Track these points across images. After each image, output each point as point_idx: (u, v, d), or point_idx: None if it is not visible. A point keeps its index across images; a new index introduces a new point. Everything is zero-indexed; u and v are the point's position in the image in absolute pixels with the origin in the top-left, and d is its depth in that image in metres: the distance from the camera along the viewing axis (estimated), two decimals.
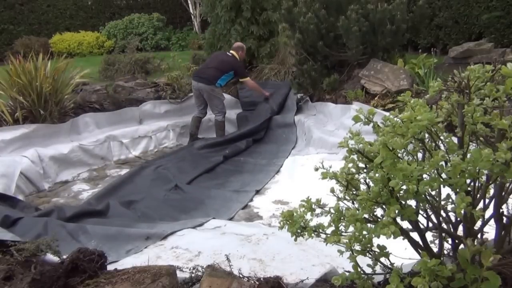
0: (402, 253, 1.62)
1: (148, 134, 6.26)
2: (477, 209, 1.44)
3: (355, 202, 1.53)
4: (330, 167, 1.59)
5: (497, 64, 1.57)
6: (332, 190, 1.59)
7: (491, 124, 1.39)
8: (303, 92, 6.44)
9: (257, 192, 4.42)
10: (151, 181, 4.75)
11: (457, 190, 1.35)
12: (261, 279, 1.85)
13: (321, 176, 1.56)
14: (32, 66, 5.33)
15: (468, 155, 1.36)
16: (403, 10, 5.62)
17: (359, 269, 1.54)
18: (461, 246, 1.50)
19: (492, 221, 1.53)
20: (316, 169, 1.60)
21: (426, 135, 1.50)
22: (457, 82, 1.49)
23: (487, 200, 1.51)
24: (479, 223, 1.54)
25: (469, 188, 1.43)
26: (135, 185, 4.67)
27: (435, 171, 1.38)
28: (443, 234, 1.58)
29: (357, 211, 1.46)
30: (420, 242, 1.57)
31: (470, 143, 1.54)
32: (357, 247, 1.51)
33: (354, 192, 1.54)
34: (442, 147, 1.48)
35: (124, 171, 5.27)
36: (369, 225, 1.48)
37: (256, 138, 6.16)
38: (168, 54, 8.71)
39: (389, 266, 1.55)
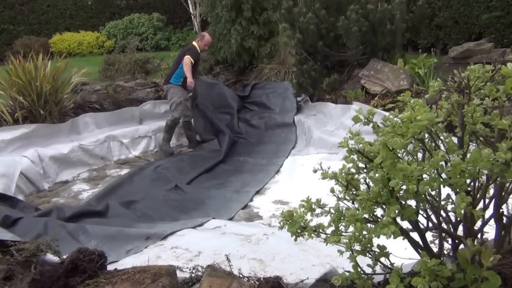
0: (402, 253, 1.62)
1: (148, 134, 6.26)
2: (477, 209, 1.44)
3: (355, 202, 1.53)
4: (329, 168, 1.59)
5: (497, 64, 1.57)
6: (332, 190, 1.59)
7: (491, 124, 1.39)
8: (303, 92, 6.44)
9: (257, 192, 4.41)
10: (151, 181, 4.75)
11: (457, 190, 1.35)
12: (261, 279, 1.85)
13: (321, 176, 1.56)
14: (32, 66, 5.33)
15: (468, 155, 1.36)
16: (403, 10, 5.62)
17: (359, 269, 1.54)
18: (461, 246, 1.50)
19: (492, 221, 1.53)
20: (315, 171, 1.60)
21: (426, 135, 1.50)
22: (457, 82, 1.49)
23: (487, 200, 1.51)
24: (479, 223, 1.54)
25: (469, 188, 1.43)
26: (135, 186, 4.67)
27: (435, 171, 1.38)
28: (443, 234, 1.58)
29: (357, 211, 1.46)
30: (420, 242, 1.57)
31: (470, 143, 1.54)
32: (357, 247, 1.51)
33: (354, 192, 1.54)
34: (442, 147, 1.48)
35: (124, 171, 5.27)
36: (369, 225, 1.48)
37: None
38: (168, 54, 8.72)
39: (389, 266, 1.55)
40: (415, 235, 1.57)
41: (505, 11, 6.36)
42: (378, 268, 1.57)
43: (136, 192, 4.48)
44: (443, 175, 1.38)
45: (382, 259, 1.55)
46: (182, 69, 5.88)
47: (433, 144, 1.51)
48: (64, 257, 2.10)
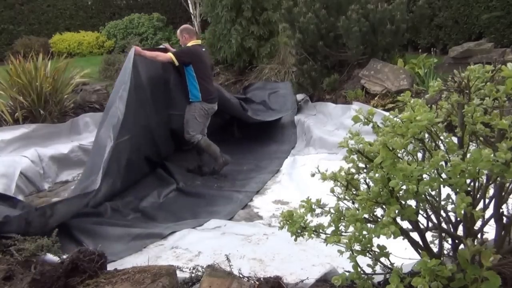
0: (402, 253, 1.62)
1: None
2: (477, 209, 1.44)
3: (355, 202, 1.53)
4: (326, 170, 1.59)
5: (497, 64, 1.57)
6: (332, 190, 1.59)
7: (491, 124, 1.39)
8: (303, 92, 6.44)
9: (257, 192, 4.41)
10: (152, 182, 4.75)
11: (457, 190, 1.35)
12: (261, 279, 1.86)
13: (321, 177, 1.56)
14: (32, 66, 5.33)
15: (468, 155, 1.37)
16: (403, 10, 5.63)
17: (359, 269, 1.54)
18: (461, 246, 1.50)
19: (492, 221, 1.53)
20: (313, 175, 1.60)
21: (426, 135, 1.50)
22: (457, 82, 1.49)
23: (487, 200, 1.51)
24: (479, 223, 1.54)
25: (469, 188, 1.43)
26: (136, 185, 4.66)
27: (435, 171, 1.38)
28: (443, 234, 1.58)
29: (357, 211, 1.46)
30: (420, 242, 1.57)
31: (470, 143, 1.54)
32: (357, 247, 1.51)
33: (354, 192, 1.54)
34: (442, 147, 1.48)
35: None
36: (369, 225, 1.48)
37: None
38: None
39: (389, 266, 1.55)
40: (415, 235, 1.57)
41: (505, 11, 6.37)
42: (378, 268, 1.57)
43: (136, 192, 4.47)
44: (443, 175, 1.38)
45: (382, 259, 1.56)
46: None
47: (433, 144, 1.51)
48: (64, 257, 2.10)
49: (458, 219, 1.53)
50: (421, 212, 1.54)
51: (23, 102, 5.21)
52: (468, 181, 1.39)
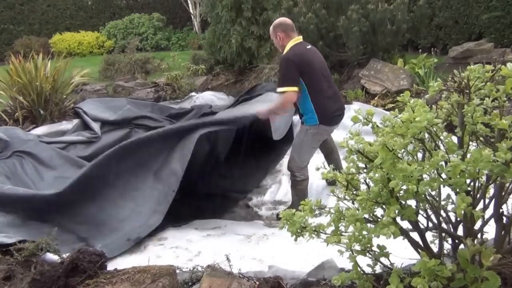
0: (402, 253, 1.62)
1: None
2: (477, 209, 1.44)
3: (355, 202, 1.53)
4: (332, 167, 1.59)
5: (497, 64, 1.57)
6: (332, 190, 1.59)
7: (491, 124, 1.39)
8: None
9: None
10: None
11: (457, 190, 1.35)
12: (261, 279, 1.86)
13: (321, 176, 1.56)
14: (32, 66, 5.33)
15: (468, 155, 1.36)
16: (404, 10, 5.63)
17: (359, 269, 1.54)
18: (461, 246, 1.50)
19: (492, 221, 1.53)
20: (317, 169, 1.60)
21: (426, 135, 1.50)
22: (457, 82, 1.49)
23: (487, 200, 1.51)
24: (479, 223, 1.54)
25: (469, 188, 1.43)
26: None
27: (435, 171, 1.38)
28: (443, 234, 1.58)
29: (357, 211, 1.46)
30: (420, 242, 1.57)
31: (470, 143, 1.54)
32: (357, 247, 1.51)
33: (354, 192, 1.54)
34: (442, 147, 1.48)
35: None
36: (369, 225, 1.48)
37: None
38: (168, 54, 8.72)
39: (389, 266, 1.55)
40: (415, 235, 1.57)
41: (505, 11, 6.36)
42: (378, 268, 1.57)
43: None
44: (443, 175, 1.37)
45: (382, 259, 1.56)
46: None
47: (433, 144, 1.51)
48: (64, 256, 2.10)
49: (458, 219, 1.53)
50: (421, 212, 1.54)
51: (23, 102, 5.21)
52: (468, 181, 1.39)
